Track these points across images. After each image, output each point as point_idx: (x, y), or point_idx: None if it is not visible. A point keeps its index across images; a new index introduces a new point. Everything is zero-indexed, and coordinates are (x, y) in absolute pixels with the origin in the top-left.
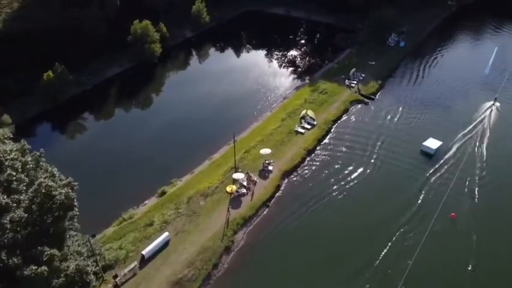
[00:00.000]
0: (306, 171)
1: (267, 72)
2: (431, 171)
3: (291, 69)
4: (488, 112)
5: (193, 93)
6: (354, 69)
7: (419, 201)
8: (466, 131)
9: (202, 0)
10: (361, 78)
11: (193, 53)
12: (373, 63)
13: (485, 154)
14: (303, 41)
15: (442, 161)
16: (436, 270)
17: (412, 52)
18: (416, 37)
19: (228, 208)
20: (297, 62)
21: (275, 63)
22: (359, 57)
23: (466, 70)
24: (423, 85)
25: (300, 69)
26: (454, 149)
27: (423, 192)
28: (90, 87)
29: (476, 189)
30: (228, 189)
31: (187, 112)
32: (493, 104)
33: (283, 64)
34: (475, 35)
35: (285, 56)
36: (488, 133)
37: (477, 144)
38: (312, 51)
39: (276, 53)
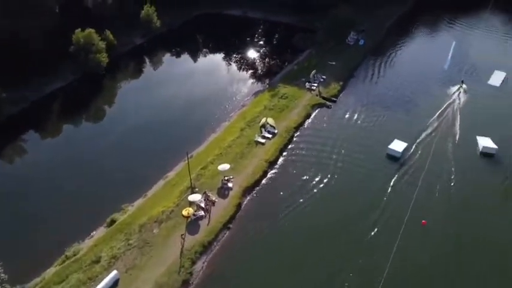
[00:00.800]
0: (269, 185)
1: (225, 77)
2: (398, 174)
3: (250, 72)
4: (454, 98)
5: (144, 105)
6: (314, 71)
7: (388, 206)
8: (430, 129)
9: (152, 5)
10: (322, 80)
11: (146, 60)
12: (334, 63)
13: (450, 150)
14: (261, 43)
15: (408, 162)
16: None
17: (371, 50)
18: (375, 35)
19: (182, 235)
20: (256, 64)
21: (233, 66)
22: (319, 57)
23: (425, 66)
24: (384, 83)
25: (259, 73)
26: (419, 149)
27: (391, 196)
28: (28, 105)
29: (447, 189)
30: (184, 212)
31: (139, 127)
32: (461, 87)
33: (242, 67)
34: (431, 30)
35: (243, 59)
36: (458, 123)
37: (444, 140)
38: (271, 52)
39: (234, 56)
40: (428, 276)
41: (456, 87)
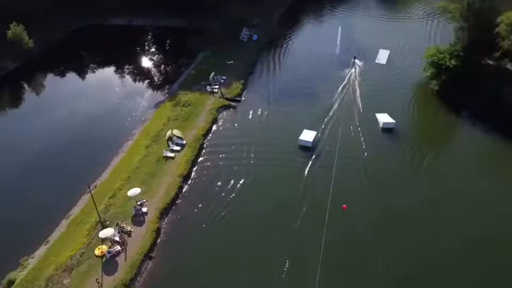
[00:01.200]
0: (186, 201)
1: (120, 92)
2: (312, 161)
3: (146, 83)
4: (351, 78)
5: (29, 137)
6: (213, 73)
7: (308, 194)
8: (333, 112)
9: (19, 23)
10: (222, 81)
11: (24, 85)
12: (231, 62)
13: (355, 130)
14: (153, 50)
15: (320, 148)
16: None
17: (265, 44)
18: (267, 28)
19: (97, 280)
20: (151, 74)
21: (128, 79)
22: (215, 58)
23: (318, 53)
24: (284, 75)
25: (156, 82)
26: (328, 133)
27: (309, 183)
28: None
29: (359, 167)
30: (97, 252)
31: (27, 163)
32: (353, 62)
33: (137, 79)
34: (317, 18)
35: (137, 69)
36: (358, 103)
37: (347, 120)
38: (166, 59)
39: (126, 67)
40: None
41: (348, 70)
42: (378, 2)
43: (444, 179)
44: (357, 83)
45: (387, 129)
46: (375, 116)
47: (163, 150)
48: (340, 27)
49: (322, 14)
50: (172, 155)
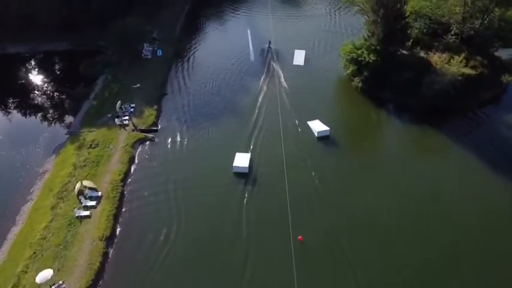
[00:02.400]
0: (116, 271)
1: (4, 140)
2: (250, 188)
3: (38, 123)
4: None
5: None
6: (119, 102)
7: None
8: (259, 127)
9: None
10: (132, 110)
11: None
12: (138, 85)
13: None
14: (40, 82)
15: (258, 170)
16: None
17: (171, 58)
18: (170, 40)
19: None
20: (44, 111)
21: (14, 122)
22: (118, 83)
23: (232, 61)
24: (199, 92)
25: (50, 122)
26: (261, 152)
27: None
28: None
29: (309, 184)
30: None
31: None
32: (269, 47)
33: (26, 120)
34: (222, 22)
35: (24, 108)
36: (285, 114)
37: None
38: (59, 91)
39: (9, 108)
40: None
41: (265, 76)
42: (280, 1)
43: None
44: (277, 89)
45: (323, 137)
46: (305, 124)
47: (75, 209)
48: (248, 30)
49: (226, 18)
50: (87, 213)
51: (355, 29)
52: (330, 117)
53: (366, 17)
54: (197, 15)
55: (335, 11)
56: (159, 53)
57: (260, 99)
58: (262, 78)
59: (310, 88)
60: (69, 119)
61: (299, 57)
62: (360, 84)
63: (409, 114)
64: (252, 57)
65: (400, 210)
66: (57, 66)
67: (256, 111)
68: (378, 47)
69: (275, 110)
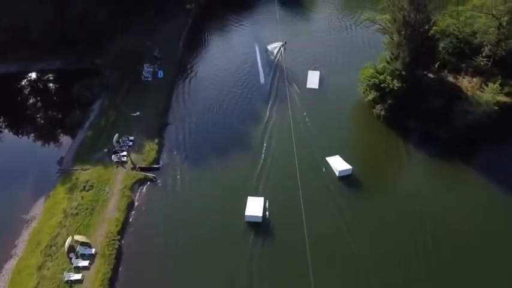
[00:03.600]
0: None
1: None
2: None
3: (27, 154)
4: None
5: None
6: (116, 135)
7: None
8: (270, 161)
9: None
10: (131, 143)
11: None
12: (138, 113)
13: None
14: (30, 107)
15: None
16: None
17: (173, 80)
18: (172, 58)
19: None
20: (32, 142)
21: (1, 152)
22: (115, 109)
23: (238, 83)
24: (206, 120)
25: (39, 154)
26: (277, 197)
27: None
28: None
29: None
30: None
31: None
32: (283, 46)
33: (10, 153)
34: (226, 36)
35: (8, 138)
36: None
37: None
38: (49, 118)
39: None
40: None
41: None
42: (289, 14)
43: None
44: (290, 118)
45: (345, 176)
46: (324, 160)
47: (65, 273)
48: (256, 46)
49: (231, 32)
50: (78, 276)
51: (374, 45)
52: (351, 150)
53: (388, 37)
54: (201, 29)
55: (352, 24)
56: (160, 74)
57: (270, 128)
58: (273, 103)
59: (326, 116)
60: (61, 151)
61: (313, 79)
62: (382, 112)
63: (438, 145)
64: (262, 79)
65: (432, 255)
66: (49, 88)
67: (266, 143)
68: (403, 72)
69: (288, 143)
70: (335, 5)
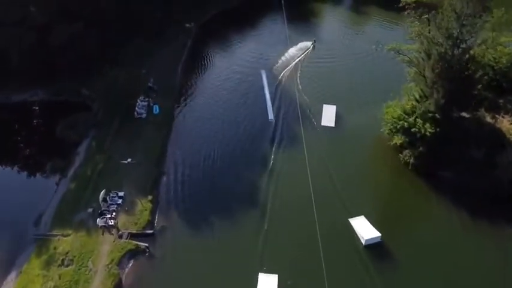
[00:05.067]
0: None
1: None
2: None
3: None
4: None
5: None
6: (103, 192)
7: None
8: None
9: None
10: (120, 201)
11: None
12: (129, 160)
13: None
14: (5, 150)
15: None
16: None
17: (171, 117)
18: (169, 89)
19: None
20: (8, 193)
21: None
22: (105, 153)
23: (243, 120)
24: (204, 167)
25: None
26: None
27: None
28: None
29: None
30: None
31: None
32: (313, 44)
33: None
34: (230, 61)
35: None
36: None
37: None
38: (28, 165)
39: None
40: None
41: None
42: (298, 33)
43: None
44: (306, 166)
45: (372, 245)
46: (346, 221)
47: None
48: (263, 73)
49: (233, 53)
50: None
51: (395, 71)
52: (376, 207)
53: (416, 70)
54: (201, 51)
55: (368, 47)
56: (156, 109)
57: (279, 177)
58: (280, 144)
59: (346, 161)
60: (39, 205)
61: (329, 115)
62: (411, 160)
63: (478, 200)
64: (271, 115)
65: None
66: (30, 124)
67: (274, 196)
68: (437, 115)
69: (302, 197)
70: (344, 18)
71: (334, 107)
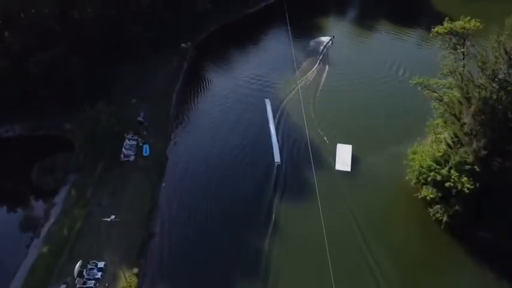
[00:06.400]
0: None
1: None
2: None
3: None
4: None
5: None
6: (79, 263)
7: None
8: None
9: None
10: (99, 275)
11: None
12: (113, 218)
13: None
14: None
15: None
16: None
17: (163, 156)
18: (162, 124)
19: None
20: None
21: None
22: (85, 206)
23: (245, 164)
24: (202, 227)
25: None
26: None
27: None
28: None
29: None
30: None
31: None
32: (331, 40)
33: None
34: (227, 82)
35: None
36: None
37: None
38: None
39: None
40: None
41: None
42: (305, 54)
43: None
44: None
45: None
46: None
47: None
48: (268, 103)
49: (233, 76)
50: None
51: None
52: (406, 275)
53: (447, 109)
54: (199, 77)
55: (397, 74)
56: (146, 151)
57: (290, 240)
58: (291, 198)
59: (368, 218)
60: (4, 275)
61: (344, 157)
62: (444, 218)
63: None
64: (277, 158)
65: None
66: (2, 166)
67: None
68: (476, 167)
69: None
70: (351, 32)
71: (350, 147)
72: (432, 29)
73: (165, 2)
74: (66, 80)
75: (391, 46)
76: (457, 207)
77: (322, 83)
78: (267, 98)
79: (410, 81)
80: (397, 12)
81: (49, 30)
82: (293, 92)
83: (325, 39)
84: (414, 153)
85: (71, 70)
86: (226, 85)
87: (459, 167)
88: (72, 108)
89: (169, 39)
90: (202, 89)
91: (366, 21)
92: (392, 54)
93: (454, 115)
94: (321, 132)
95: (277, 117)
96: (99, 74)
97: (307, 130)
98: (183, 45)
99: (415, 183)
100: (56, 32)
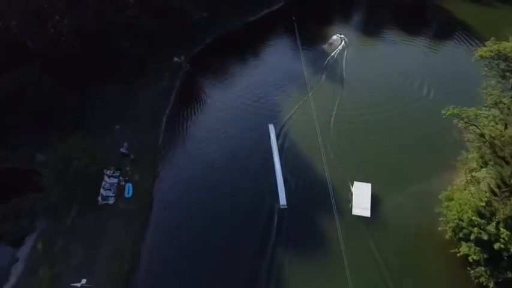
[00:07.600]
0: None
1: None
2: None
3: None
4: None
5: None
6: None
7: None
8: None
9: None
10: None
11: None
12: (83, 282)
13: None
14: None
15: None
16: None
17: (148, 200)
18: (149, 156)
19: None
20: None
21: None
22: (51, 267)
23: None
24: None
25: None
26: None
27: None
28: None
29: None
30: None
31: None
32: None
33: None
34: (224, 100)
35: None
36: None
37: None
38: None
39: None
40: None
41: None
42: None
43: None
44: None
45: None
46: None
47: None
48: (272, 130)
49: (232, 96)
50: None
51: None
52: None
53: (490, 147)
54: (192, 96)
55: (420, 93)
56: (128, 191)
57: None
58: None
59: (396, 279)
60: None
61: (362, 199)
62: (491, 285)
63: None
64: (283, 200)
65: None
66: None
67: None
68: None
69: None
70: (360, 42)
71: (369, 186)
72: (474, 52)
73: (155, 11)
74: (39, 104)
75: (408, 57)
76: (509, 274)
77: (336, 105)
78: (271, 123)
79: (443, 112)
80: (410, 20)
81: (19, 46)
82: (305, 117)
83: (336, 39)
84: (449, 199)
85: (44, 92)
86: (225, 105)
87: (510, 222)
88: (46, 136)
89: (159, 53)
90: (197, 111)
91: (371, 29)
92: (412, 68)
93: (503, 159)
94: (338, 165)
95: (282, 145)
96: (77, 95)
97: (325, 165)
98: (175, 59)
99: (450, 237)
100: (28, 49)
